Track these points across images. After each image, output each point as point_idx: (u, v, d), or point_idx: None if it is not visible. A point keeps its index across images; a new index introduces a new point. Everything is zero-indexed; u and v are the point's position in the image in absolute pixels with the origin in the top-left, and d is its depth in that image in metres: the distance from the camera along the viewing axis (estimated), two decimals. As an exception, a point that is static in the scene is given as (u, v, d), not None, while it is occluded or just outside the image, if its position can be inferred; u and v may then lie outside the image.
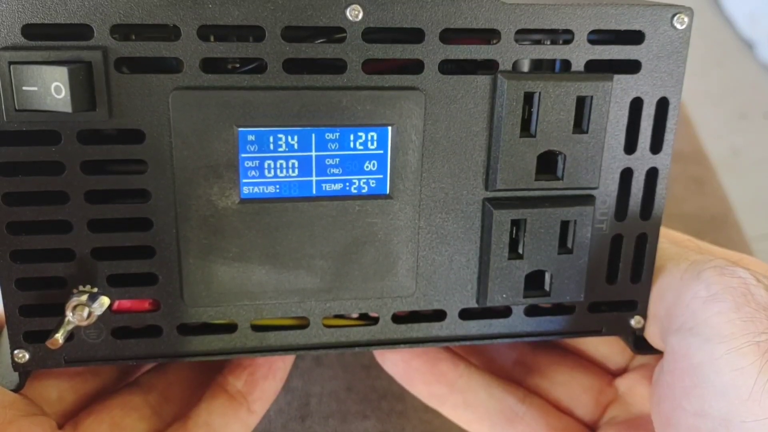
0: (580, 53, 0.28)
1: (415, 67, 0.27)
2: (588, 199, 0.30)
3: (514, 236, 0.30)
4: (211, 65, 0.26)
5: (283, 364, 0.33)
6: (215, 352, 0.30)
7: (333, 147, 0.28)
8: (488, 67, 0.28)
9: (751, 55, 1.47)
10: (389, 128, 0.28)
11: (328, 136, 0.27)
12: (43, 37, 0.25)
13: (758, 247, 0.63)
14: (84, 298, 0.27)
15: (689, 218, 0.60)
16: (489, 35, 0.28)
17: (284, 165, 0.27)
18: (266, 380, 0.32)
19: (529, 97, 0.28)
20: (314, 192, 0.28)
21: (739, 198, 0.69)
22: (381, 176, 0.28)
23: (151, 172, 0.27)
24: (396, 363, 0.34)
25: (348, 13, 0.26)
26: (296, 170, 0.28)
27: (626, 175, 0.30)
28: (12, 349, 0.28)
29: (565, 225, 0.30)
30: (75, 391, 0.31)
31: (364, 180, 0.28)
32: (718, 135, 1.23)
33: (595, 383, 0.35)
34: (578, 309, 0.32)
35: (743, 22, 1.48)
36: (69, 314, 0.26)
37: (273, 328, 0.30)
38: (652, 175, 0.30)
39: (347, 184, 0.28)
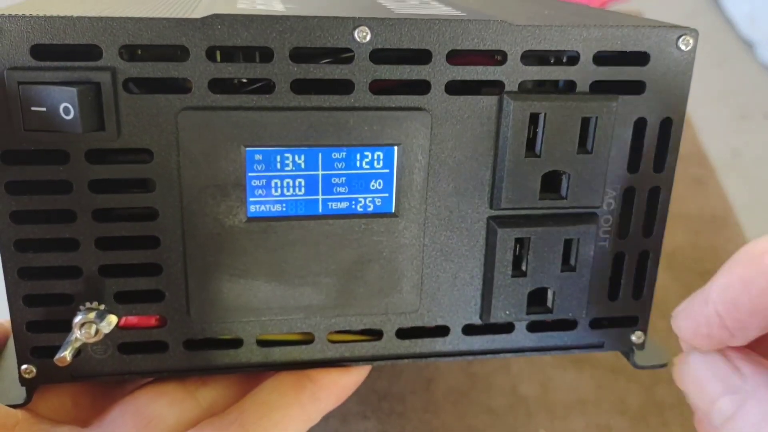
0: (585, 74, 0.28)
1: (421, 87, 0.28)
2: (591, 218, 0.30)
3: (517, 254, 0.30)
4: (219, 85, 0.26)
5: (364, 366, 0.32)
6: (221, 367, 0.30)
7: (339, 166, 0.28)
8: (493, 85, 0.28)
9: (751, 55, 1.47)
10: (395, 148, 0.28)
11: (334, 155, 0.28)
12: (52, 57, 0.25)
13: (758, 247, 0.63)
14: (92, 315, 0.27)
15: (689, 218, 0.60)
16: (494, 54, 0.28)
17: (291, 184, 0.28)
18: (341, 372, 0.31)
19: (534, 118, 0.28)
20: (320, 210, 0.28)
21: (739, 198, 0.69)
22: (387, 195, 0.28)
23: (158, 191, 0.27)
24: None
25: (356, 35, 0.26)
26: (303, 189, 0.28)
27: (629, 193, 0.30)
28: (19, 365, 0.28)
29: (568, 243, 0.30)
30: (91, 393, 0.31)
31: (370, 198, 0.28)
32: (718, 135, 1.23)
33: None
34: (580, 324, 0.32)
35: (743, 22, 1.48)
36: (77, 332, 0.27)
37: (278, 343, 0.30)
38: (654, 193, 0.30)
39: (353, 202, 0.28)
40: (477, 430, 0.41)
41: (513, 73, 0.28)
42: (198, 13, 0.26)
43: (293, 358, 0.31)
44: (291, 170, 0.27)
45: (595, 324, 0.32)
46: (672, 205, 0.31)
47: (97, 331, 0.27)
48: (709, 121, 1.17)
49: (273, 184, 0.27)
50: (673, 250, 0.56)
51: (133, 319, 0.29)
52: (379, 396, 0.44)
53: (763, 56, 1.45)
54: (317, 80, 0.27)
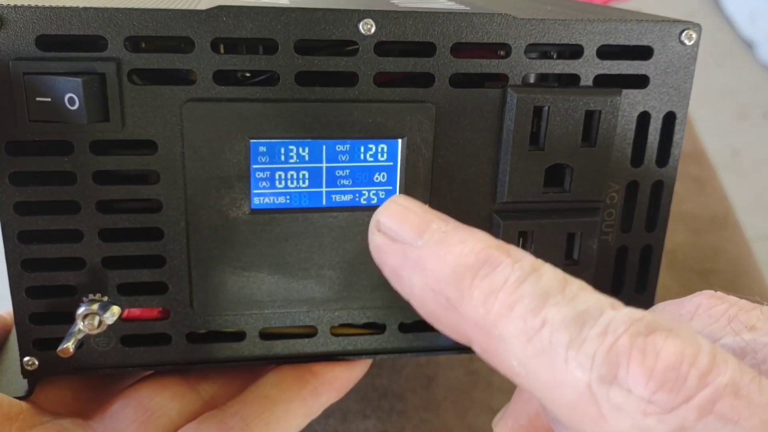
0: (589, 68, 0.28)
1: (425, 80, 0.28)
2: (594, 212, 0.30)
3: (520, 247, 0.30)
4: (223, 77, 0.27)
5: (364, 360, 0.32)
6: (223, 359, 0.30)
7: (343, 159, 0.28)
8: (497, 78, 0.28)
9: (751, 55, 1.48)
10: (399, 141, 0.28)
11: (338, 147, 0.28)
12: (57, 47, 0.25)
13: (758, 247, 0.63)
14: (95, 307, 0.27)
15: (689, 218, 0.60)
16: (497, 47, 0.28)
17: (295, 176, 0.28)
18: (342, 367, 0.31)
19: (538, 111, 0.28)
20: (324, 203, 0.28)
21: (739, 198, 0.69)
22: (390, 188, 0.28)
23: (162, 183, 0.27)
24: None
25: (361, 27, 0.26)
26: (307, 181, 0.28)
27: (632, 187, 0.30)
28: (22, 357, 0.28)
29: (571, 236, 0.30)
30: (92, 387, 0.31)
31: (374, 191, 0.28)
32: (718, 135, 1.23)
33: None
34: None
35: (743, 22, 1.48)
36: (80, 323, 0.27)
37: (281, 336, 0.30)
38: (657, 187, 0.30)
39: (357, 195, 0.28)
40: (478, 429, 0.41)
41: (517, 67, 0.28)
42: (203, 5, 0.26)
43: (296, 352, 0.30)
44: (295, 162, 0.27)
45: (598, 318, 0.32)
46: (672, 204, 0.31)
47: (100, 323, 0.27)
48: (709, 121, 1.17)
49: (277, 176, 0.28)
50: (673, 250, 0.56)
51: (135, 311, 0.29)
52: (379, 394, 0.44)
53: (763, 56, 1.45)
54: (321, 72, 0.27)
